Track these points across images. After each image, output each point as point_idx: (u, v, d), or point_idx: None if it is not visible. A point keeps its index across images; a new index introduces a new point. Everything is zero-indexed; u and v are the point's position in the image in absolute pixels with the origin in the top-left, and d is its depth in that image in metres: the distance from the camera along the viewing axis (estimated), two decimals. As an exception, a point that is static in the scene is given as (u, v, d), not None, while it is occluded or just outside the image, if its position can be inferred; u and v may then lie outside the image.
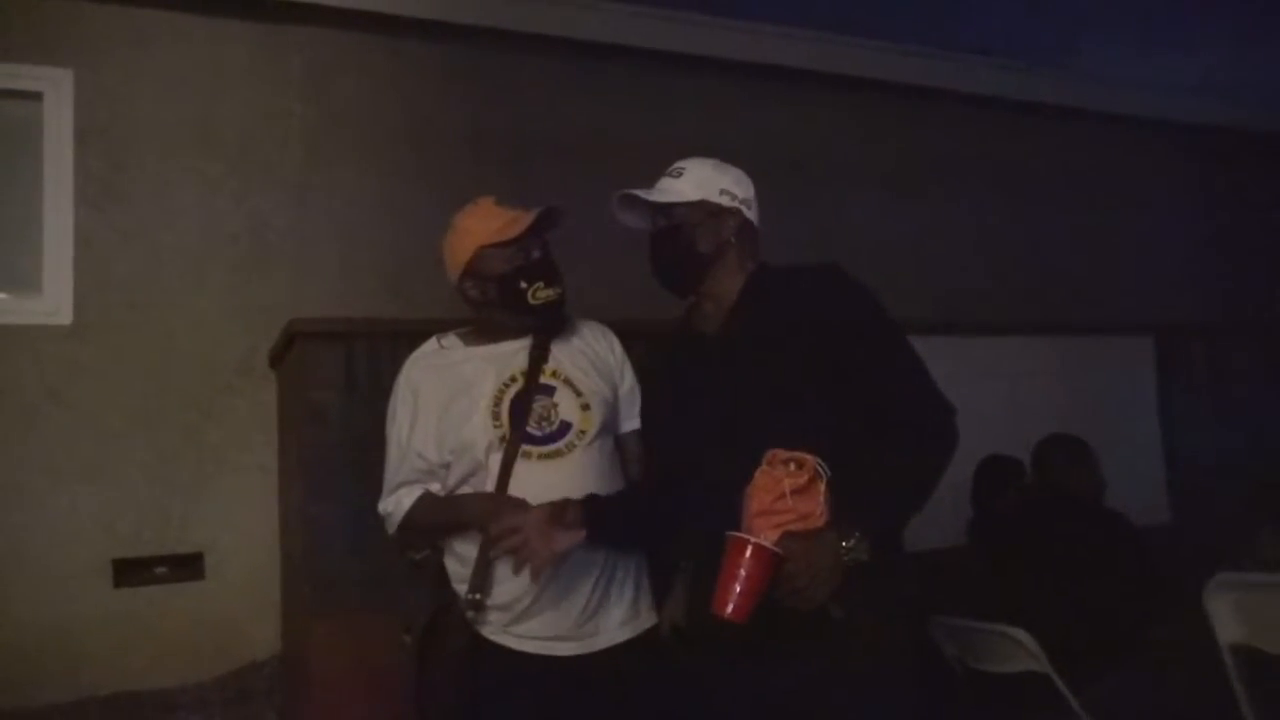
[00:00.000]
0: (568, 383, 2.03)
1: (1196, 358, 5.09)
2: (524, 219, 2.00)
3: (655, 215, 1.94)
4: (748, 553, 1.58)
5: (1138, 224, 5.74)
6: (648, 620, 2.04)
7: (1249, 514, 4.33)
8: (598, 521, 1.88)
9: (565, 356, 2.06)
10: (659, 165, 1.99)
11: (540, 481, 1.93)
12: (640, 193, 1.92)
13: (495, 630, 1.96)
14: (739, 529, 1.62)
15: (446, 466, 1.99)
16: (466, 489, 1.99)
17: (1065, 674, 2.58)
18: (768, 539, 1.59)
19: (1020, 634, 2.60)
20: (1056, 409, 4.22)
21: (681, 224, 1.89)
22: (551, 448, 1.97)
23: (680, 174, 1.93)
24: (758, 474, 1.65)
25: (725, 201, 1.90)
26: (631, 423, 2.11)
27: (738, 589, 1.57)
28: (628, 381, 2.12)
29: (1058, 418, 3.80)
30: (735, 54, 4.70)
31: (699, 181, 1.91)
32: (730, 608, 1.57)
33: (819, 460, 1.62)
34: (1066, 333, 4.70)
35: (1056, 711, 2.61)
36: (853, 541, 1.61)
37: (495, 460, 1.94)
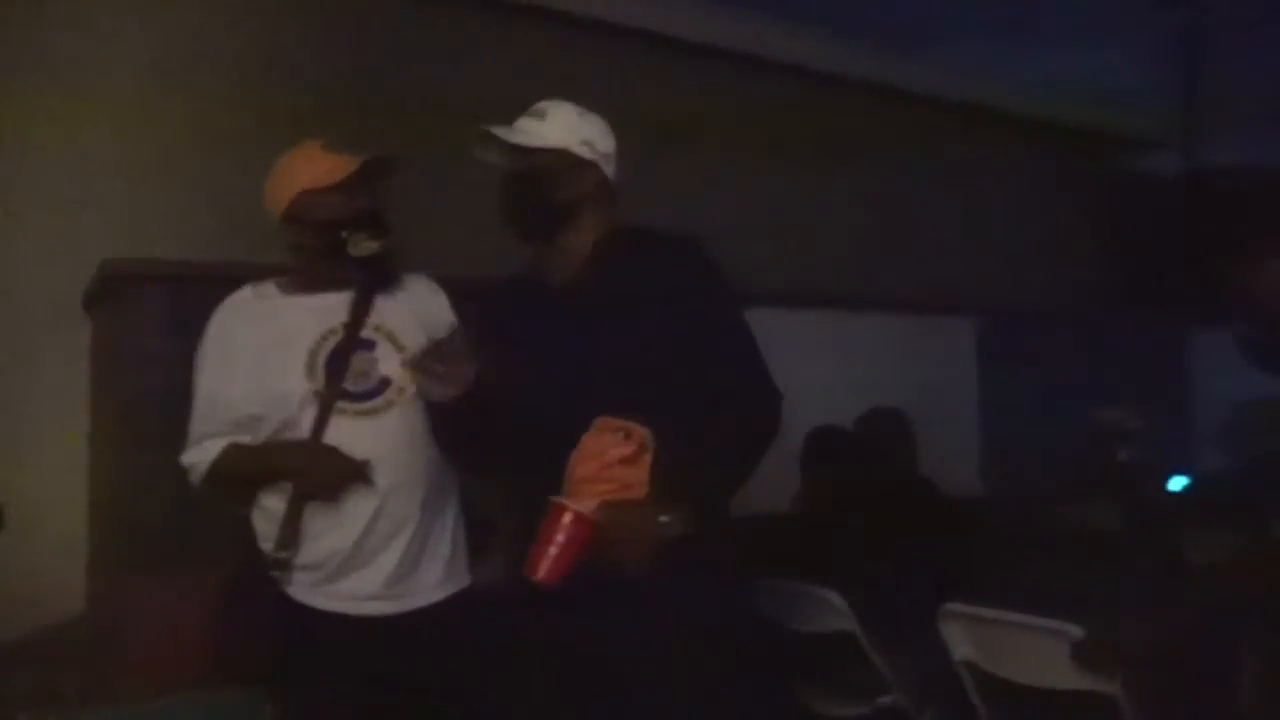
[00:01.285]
0: (391, 338, 1.96)
1: (1015, 340, 5.41)
2: (349, 164, 1.91)
3: (513, 156, 1.86)
4: (565, 519, 1.61)
5: (970, 211, 6.03)
6: (465, 580, 2.03)
7: (1060, 487, 4.66)
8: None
9: (390, 311, 1.99)
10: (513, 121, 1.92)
11: (354, 439, 1.88)
12: (500, 132, 1.84)
13: (303, 590, 1.91)
14: (562, 491, 1.64)
15: (258, 419, 1.92)
16: None
17: (874, 635, 2.72)
18: (587, 506, 1.61)
19: (830, 595, 2.72)
20: (883, 382, 4.41)
21: (540, 170, 1.83)
22: (368, 404, 1.91)
23: (543, 116, 1.85)
24: (586, 439, 1.66)
25: (586, 154, 1.85)
26: None
27: (552, 554, 1.60)
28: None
29: (884, 391, 3.97)
30: (603, 14, 4.67)
31: (562, 128, 1.85)
32: (543, 571, 1.60)
33: (647, 432, 1.65)
34: (898, 310, 4.91)
35: (865, 671, 2.76)
36: (671, 516, 1.64)
37: (309, 415, 1.89)
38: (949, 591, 2.57)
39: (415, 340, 1.96)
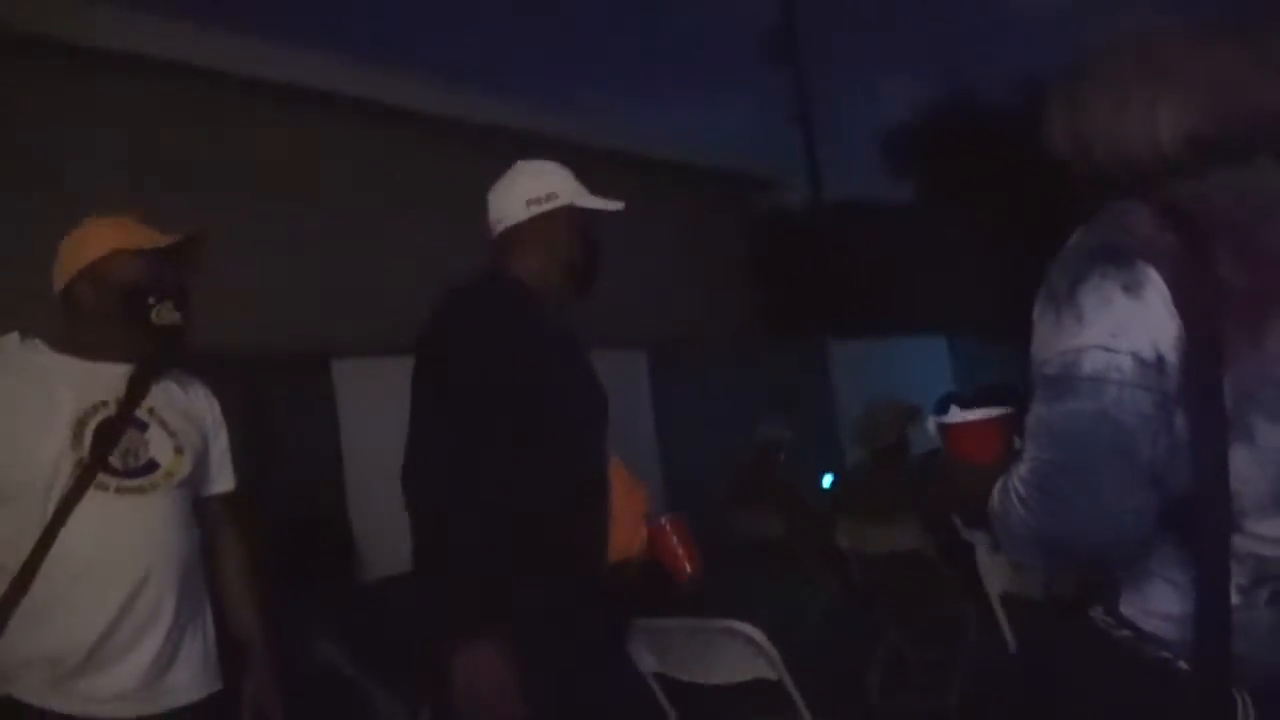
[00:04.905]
0: (163, 423, 1.87)
1: (683, 367, 5.79)
2: (172, 236, 1.88)
3: (598, 220, 2.09)
4: (670, 527, 1.95)
5: (633, 252, 6.37)
6: (218, 683, 1.89)
7: (729, 499, 5.02)
8: None
9: (162, 396, 1.90)
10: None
11: (117, 517, 1.75)
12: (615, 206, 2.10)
13: (36, 692, 1.68)
14: (607, 522, 1.91)
15: None
16: None
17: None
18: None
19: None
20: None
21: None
22: (135, 482, 1.79)
23: None
24: (623, 479, 1.96)
25: None
26: (222, 485, 2.01)
27: (685, 553, 1.95)
28: (221, 443, 2.01)
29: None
30: (230, 66, 4.47)
31: None
32: (693, 568, 1.95)
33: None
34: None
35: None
36: None
37: (57, 488, 1.71)
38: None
39: (186, 429, 1.90)
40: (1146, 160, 1.20)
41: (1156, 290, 1.10)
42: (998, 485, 1.18)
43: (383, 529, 3.95)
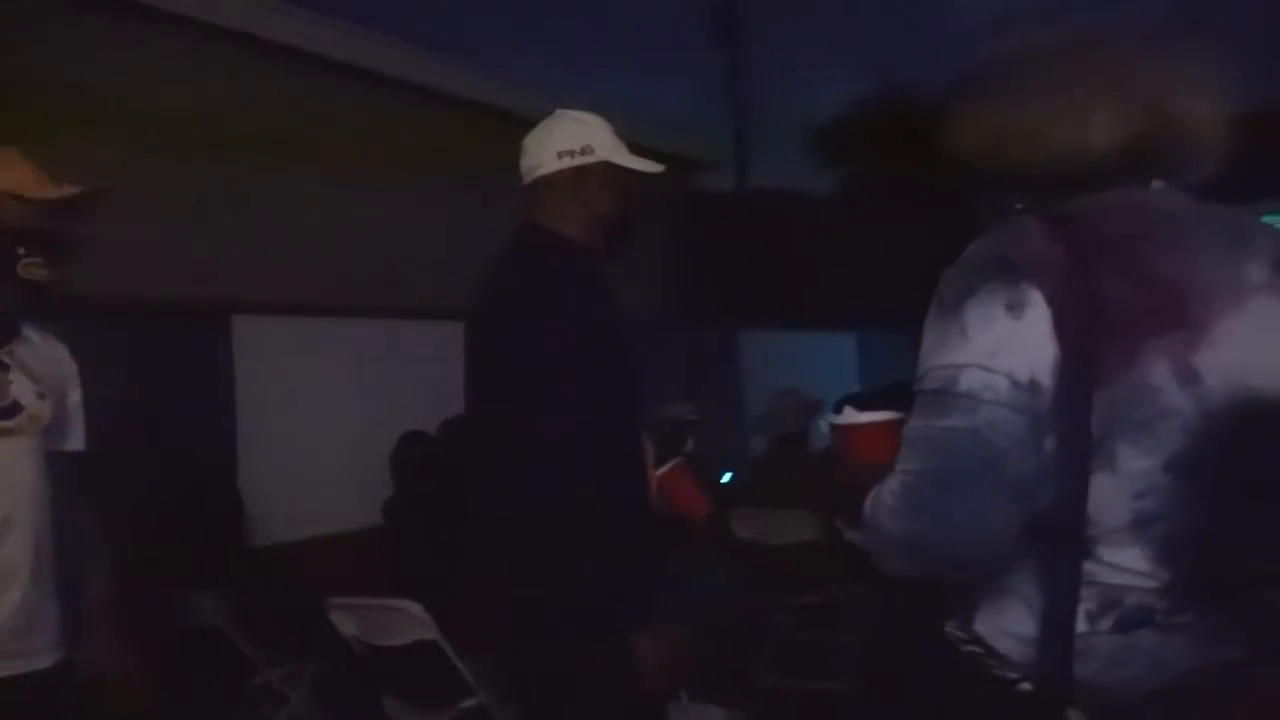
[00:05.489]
0: (23, 367, 1.80)
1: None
2: (67, 188, 1.76)
3: (633, 183, 2.00)
4: (680, 472, 2.02)
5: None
6: (60, 653, 1.80)
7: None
8: None
9: (22, 345, 1.83)
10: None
11: None
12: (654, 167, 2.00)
13: None
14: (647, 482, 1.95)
15: None
16: None
17: (455, 642, 2.76)
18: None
19: (412, 606, 2.72)
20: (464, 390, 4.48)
21: None
22: (2, 424, 1.73)
23: None
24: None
25: None
26: (73, 443, 1.91)
27: (694, 496, 2.04)
28: (75, 400, 1.92)
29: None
30: (198, 13, 4.30)
31: None
32: (702, 509, 2.05)
33: None
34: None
35: (447, 678, 2.79)
36: None
37: None
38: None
39: (48, 382, 1.84)
40: (1070, 164, 1.19)
41: (1038, 311, 1.10)
42: (871, 493, 1.18)
43: (273, 494, 3.88)
